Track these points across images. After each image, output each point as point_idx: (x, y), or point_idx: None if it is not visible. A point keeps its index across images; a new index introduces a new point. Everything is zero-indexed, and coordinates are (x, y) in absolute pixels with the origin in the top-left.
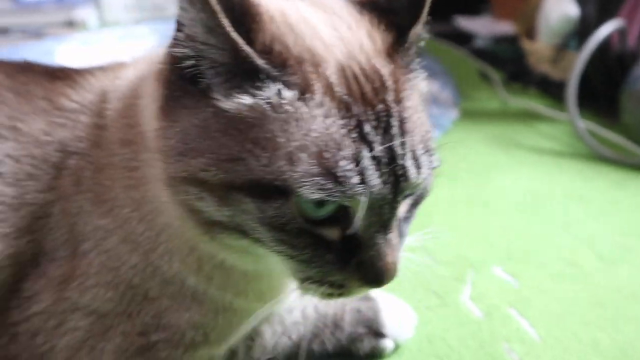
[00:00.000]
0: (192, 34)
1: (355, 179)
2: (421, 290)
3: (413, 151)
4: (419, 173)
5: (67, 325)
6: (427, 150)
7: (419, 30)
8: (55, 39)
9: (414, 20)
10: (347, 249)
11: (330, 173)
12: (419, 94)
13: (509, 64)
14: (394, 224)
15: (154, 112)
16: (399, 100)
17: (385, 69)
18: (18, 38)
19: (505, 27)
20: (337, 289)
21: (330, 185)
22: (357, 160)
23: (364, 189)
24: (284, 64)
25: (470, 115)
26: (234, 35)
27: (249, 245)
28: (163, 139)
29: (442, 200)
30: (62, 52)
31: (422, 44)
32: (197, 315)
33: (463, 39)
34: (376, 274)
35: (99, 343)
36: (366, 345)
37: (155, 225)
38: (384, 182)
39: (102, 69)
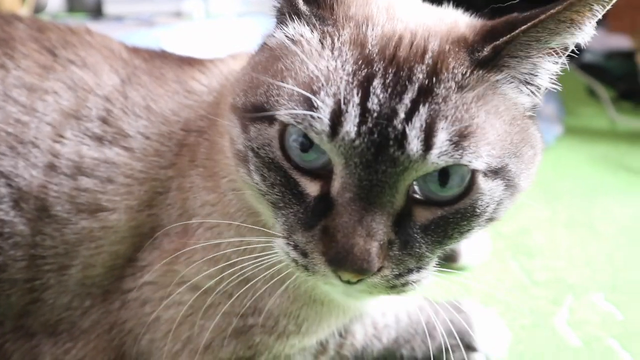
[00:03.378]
0: None
1: (326, 112)
2: (514, 308)
3: (429, 124)
4: (424, 150)
5: (172, 298)
6: (457, 140)
7: (510, 49)
8: (164, 27)
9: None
10: (318, 210)
11: (307, 100)
12: (510, 104)
13: (621, 81)
14: (379, 206)
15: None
16: (435, 73)
17: (436, 47)
18: (132, 25)
19: (619, 42)
20: (302, 257)
21: (301, 110)
22: (340, 99)
23: (332, 127)
24: (325, 16)
25: (575, 132)
26: None
27: (249, 180)
28: (240, 82)
29: (542, 220)
30: (169, 40)
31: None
32: (287, 302)
33: (570, 52)
34: (338, 250)
35: (200, 320)
36: (457, 357)
37: (245, 198)
38: (359, 133)
39: (233, 57)
